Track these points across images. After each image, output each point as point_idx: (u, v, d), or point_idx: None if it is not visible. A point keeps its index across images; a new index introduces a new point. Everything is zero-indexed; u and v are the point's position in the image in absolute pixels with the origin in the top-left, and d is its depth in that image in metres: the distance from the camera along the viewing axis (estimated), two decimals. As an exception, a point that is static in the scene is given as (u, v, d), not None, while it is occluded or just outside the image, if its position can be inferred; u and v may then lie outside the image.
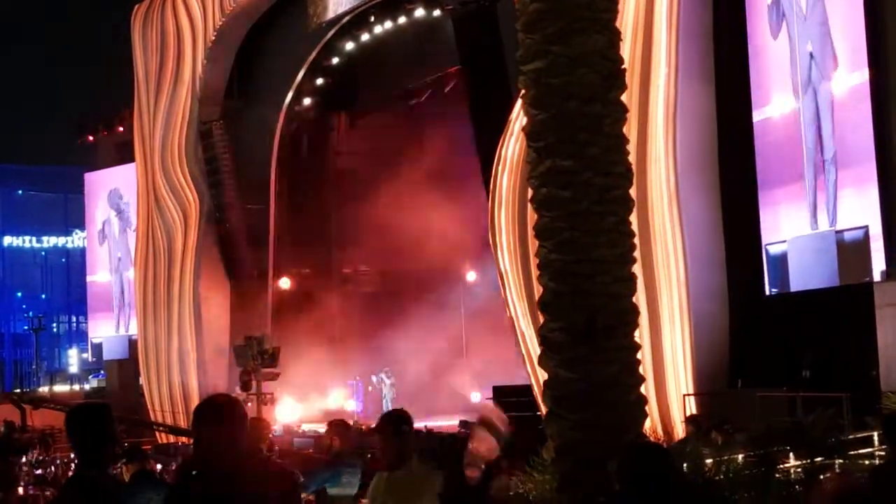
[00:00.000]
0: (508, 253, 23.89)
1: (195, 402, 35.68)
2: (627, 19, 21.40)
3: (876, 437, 14.47)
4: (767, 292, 20.86)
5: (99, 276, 45.53)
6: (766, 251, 20.72)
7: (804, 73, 20.27)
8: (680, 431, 18.36)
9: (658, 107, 21.49)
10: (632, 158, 9.18)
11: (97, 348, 44.94)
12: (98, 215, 45.31)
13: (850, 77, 19.37)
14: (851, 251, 18.99)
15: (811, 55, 20.13)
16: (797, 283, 20.08)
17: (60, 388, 55.49)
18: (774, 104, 21.00)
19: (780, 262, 20.43)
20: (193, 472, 5.41)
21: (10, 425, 30.31)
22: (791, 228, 20.47)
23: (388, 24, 34.07)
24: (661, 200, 21.24)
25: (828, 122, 19.73)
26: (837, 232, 19.31)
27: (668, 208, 21.20)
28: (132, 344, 41.17)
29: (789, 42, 20.66)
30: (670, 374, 21.08)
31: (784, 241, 20.39)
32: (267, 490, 5.27)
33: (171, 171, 37.55)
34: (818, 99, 19.97)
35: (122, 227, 43.87)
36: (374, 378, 35.51)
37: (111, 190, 44.16)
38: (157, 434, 35.15)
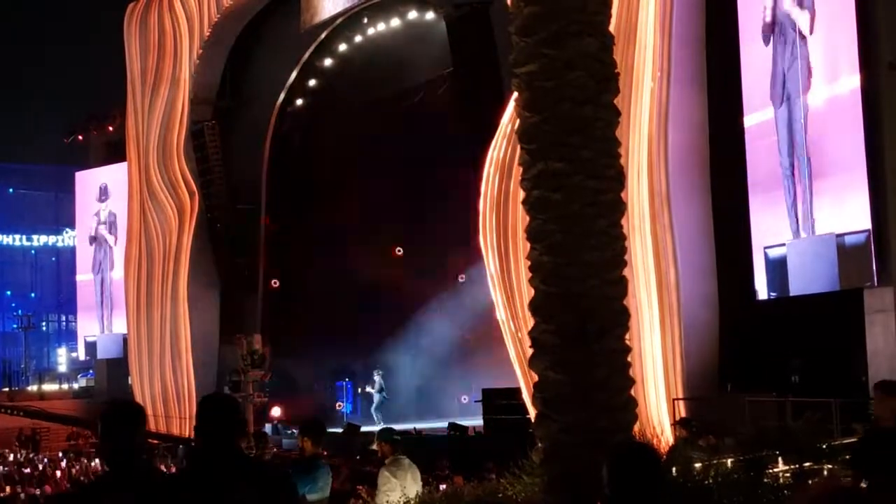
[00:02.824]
0: (497, 255, 23.93)
1: (189, 402, 35.74)
2: (619, 24, 21.44)
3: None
4: (766, 296, 20.82)
5: (88, 275, 45.43)
6: (766, 254, 20.69)
7: (782, 83, 20.34)
8: (669, 435, 18.37)
9: (644, 111, 21.52)
10: (623, 162, 9.19)
11: (91, 347, 44.78)
12: (90, 213, 45.14)
13: (838, 85, 19.40)
14: (852, 256, 18.94)
15: (787, 69, 20.23)
16: (797, 287, 20.02)
17: (49, 387, 55.40)
18: (766, 109, 21.02)
19: (779, 265, 20.36)
20: (192, 466, 5.43)
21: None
22: (781, 233, 20.46)
23: (381, 27, 34.09)
24: (654, 204, 21.26)
25: (802, 130, 19.80)
26: (838, 236, 19.23)
27: (660, 212, 21.23)
28: (126, 343, 41.06)
29: (773, 52, 20.70)
30: (660, 378, 21.10)
31: (783, 245, 20.33)
32: (263, 489, 5.27)
33: (169, 167, 37.50)
34: (796, 107, 20.01)
35: (108, 227, 43.76)
36: (372, 385, 35.35)
37: (100, 188, 44.02)
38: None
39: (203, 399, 5.62)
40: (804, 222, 19.82)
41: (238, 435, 5.46)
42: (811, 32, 19.78)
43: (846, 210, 19.08)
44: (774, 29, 20.70)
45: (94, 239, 44.57)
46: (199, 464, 5.35)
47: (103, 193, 43.74)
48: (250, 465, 5.46)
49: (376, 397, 34.28)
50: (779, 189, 20.49)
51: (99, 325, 43.84)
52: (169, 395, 36.96)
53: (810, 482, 10.13)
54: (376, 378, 34.37)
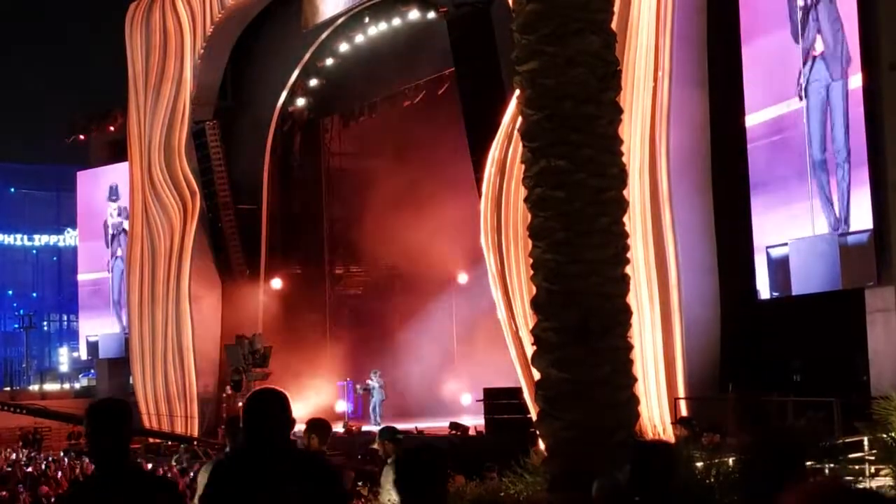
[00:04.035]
0: (497, 254, 23.95)
1: (190, 401, 35.75)
2: (618, 22, 21.39)
3: (866, 442, 14.51)
4: (768, 296, 20.77)
5: (90, 274, 45.39)
6: (768, 254, 20.62)
7: (811, 73, 20.09)
8: (670, 434, 18.37)
9: (646, 110, 21.50)
10: (624, 160, 9.16)
11: (92, 346, 44.73)
12: (97, 214, 45.00)
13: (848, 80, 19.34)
14: (855, 255, 18.87)
15: (822, 56, 19.90)
16: (799, 286, 19.93)
17: (50, 386, 55.46)
18: (769, 107, 20.96)
19: (781, 265, 20.27)
20: (238, 460, 5.46)
21: None
22: (788, 232, 20.36)
23: (383, 26, 34.08)
24: (655, 203, 21.25)
25: (840, 122, 19.47)
26: (841, 235, 19.16)
27: (661, 211, 21.21)
28: (128, 342, 41.03)
29: (802, 41, 20.46)
30: (661, 377, 21.09)
31: (786, 244, 20.24)
32: (318, 483, 5.31)
33: (172, 167, 37.47)
34: (831, 98, 19.69)
35: (116, 226, 43.71)
36: (368, 382, 35.30)
37: (110, 187, 43.89)
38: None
39: (253, 393, 5.64)
40: (832, 217, 19.50)
41: (289, 429, 5.48)
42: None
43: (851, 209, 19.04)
44: (805, 20, 20.43)
45: (113, 237, 44.30)
46: (248, 460, 5.35)
47: (113, 193, 43.60)
48: (304, 459, 5.48)
49: (373, 397, 34.24)
50: (787, 187, 20.37)
51: (119, 323, 43.50)
52: (171, 393, 36.95)
53: (809, 480, 10.12)
54: (373, 378, 34.35)
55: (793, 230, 20.18)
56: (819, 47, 20.00)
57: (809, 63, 20.12)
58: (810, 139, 19.94)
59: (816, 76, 19.94)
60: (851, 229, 18.96)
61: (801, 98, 20.20)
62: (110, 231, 44.03)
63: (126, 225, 42.69)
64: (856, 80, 19.05)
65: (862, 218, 18.78)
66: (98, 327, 44.23)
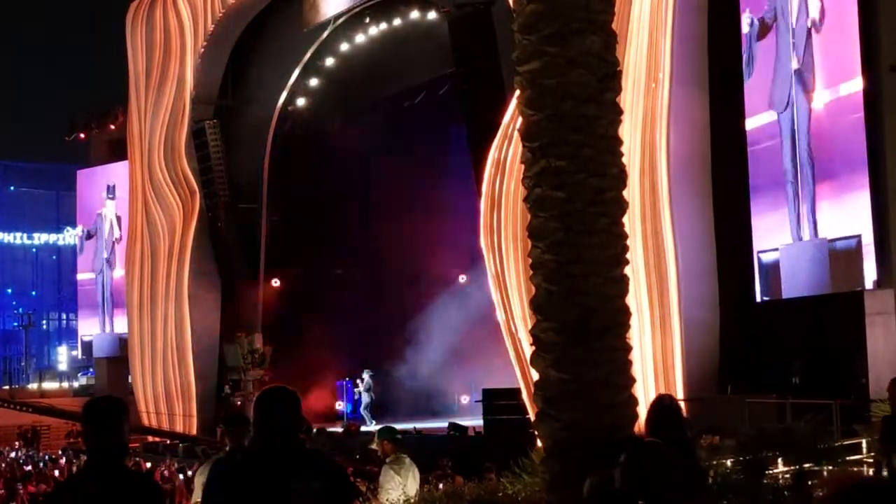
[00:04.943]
0: (495, 254, 23.97)
1: (190, 400, 35.78)
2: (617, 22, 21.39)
3: (864, 444, 14.52)
4: (759, 299, 20.85)
5: (89, 274, 45.42)
6: (759, 259, 20.72)
7: (788, 86, 20.30)
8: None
9: (648, 111, 21.51)
10: (624, 161, 9.16)
11: (87, 346, 44.78)
12: (95, 211, 45.03)
13: (840, 88, 19.38)
14: (844, 260, 18.99)
15: (796, 71, 20.15)
16: (789, 290, 20.08)
17: (49, 385, 55.45)
18: (767, 112, 21.01)
19: (772, 269, 20.41)
20: (249, 458, 5.48)
21: None
22: (780, 237, 20.46)
23: (383, 26, 34.08)
24: (655, 205, 21.26)
25: (804, 134, 19.76)
26: (830, 241, 19.29)
27: (661, 213, 21.22)
28: (122, 342, 41.06)
29: (776, 55, 20.66)
30: (660, 379, 21.11)
31: (776, 249, 20.36)
32: (327, 481, 5.33)
33: (174, 166, 37.47)
34: (799, 112, 19.97)
35: (118, 224, 43.71)
36: (358, 381, 35.32)
37: (108, 186, 43.91)
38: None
39: (263, 392, 5.66)
40: (806, 226, 19.78)
41: (299, 428, 5.54)
42: (819, 32, 19.76)
43: (843, 214, 19.11)
44: (776, 29, 20.68)
45: (91, 235, 44.36)
46: (258, 457, 5.37)
47: (111, 192, 43.63)
48: (313, 457, 5.52)
49: (364, 397, 34.24)
50: (779, 192, 20.48)
51: (100, 324, 43.72)
52: (170, 392, 36.96)
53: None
54: (365, 377, 34.36)
55: (787, 235, 20.28)
56: (794, 63, 20.21)
57: (796, 74, 20.25)
58: (798, 146, 20.08)
59: (800, 87, 20.09)
60: (841, 234, 19.08)
61: (788, 106, 20.35)
62: (106, 234, 44.03)
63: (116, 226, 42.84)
64: (849, 86, 19.13)
65: (851, 223, 18.88)
66: (96, 326, 44.27)
